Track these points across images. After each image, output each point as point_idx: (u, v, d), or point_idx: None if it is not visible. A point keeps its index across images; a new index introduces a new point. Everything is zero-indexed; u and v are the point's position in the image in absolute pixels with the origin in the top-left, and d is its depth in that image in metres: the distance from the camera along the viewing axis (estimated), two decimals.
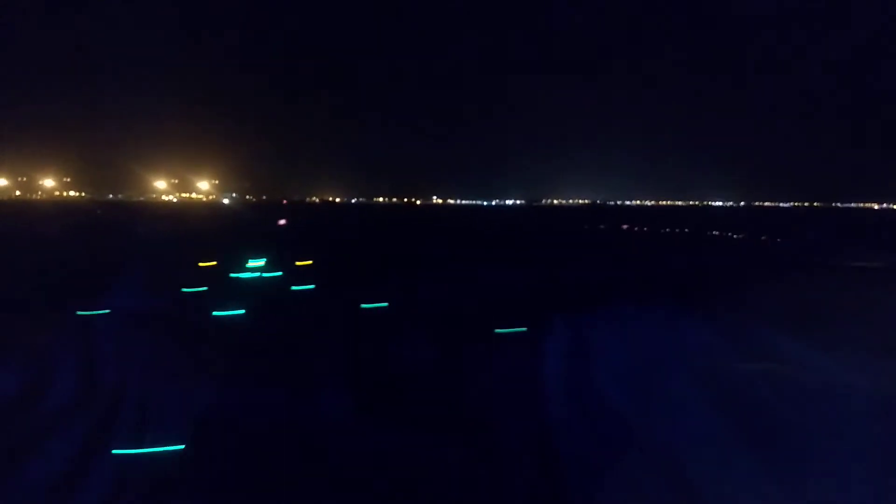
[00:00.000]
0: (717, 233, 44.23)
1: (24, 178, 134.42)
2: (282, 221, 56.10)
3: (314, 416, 6.35)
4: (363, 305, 11.91)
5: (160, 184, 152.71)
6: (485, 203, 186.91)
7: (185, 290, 13.58)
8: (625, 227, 53.37)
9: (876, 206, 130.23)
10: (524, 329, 9.98)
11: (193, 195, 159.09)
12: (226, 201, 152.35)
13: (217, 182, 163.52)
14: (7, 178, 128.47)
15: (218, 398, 6.69)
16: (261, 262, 19.52)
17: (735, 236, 40.43)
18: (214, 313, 10.93)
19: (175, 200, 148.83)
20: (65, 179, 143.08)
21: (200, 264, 19.07)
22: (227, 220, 58.51)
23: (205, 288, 13.91)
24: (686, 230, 47.84)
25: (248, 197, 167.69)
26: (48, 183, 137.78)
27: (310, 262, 20.27)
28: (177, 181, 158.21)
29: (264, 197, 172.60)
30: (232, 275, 17.05)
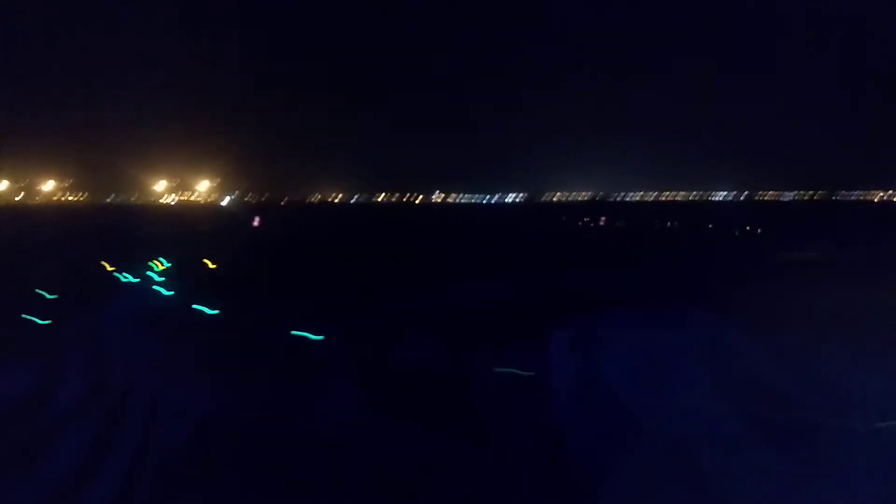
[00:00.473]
0: (690, 228, 44.15)
1: (25, 183, 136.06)
2: (256, 221, 56.43)
3: None
4: (195, 306, 11.96)
5: (160, 185, 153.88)
6: (484, 201, 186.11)
7: (39, 291, 13.75)
8: (601, 223, 53.42)
9: (876, 199, 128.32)
10: (321, 337, 9.88)
11: (193, 196, 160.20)
12: (225, 202, 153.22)
13: (217, 183, 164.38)
14: (8, 181, 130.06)
15: None
16: (164, 266, 19.62)
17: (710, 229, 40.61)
18: (23, 315, 11.10)
19: (174, 202, 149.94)
20: (65, 184, 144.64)
21: (106, 267, 19.26)
22: (205, 220, 58.76)
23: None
24: (661, 225, 47.93)
25: (247, 198, 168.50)
26: (48, 187, 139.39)
27: (213, 266, 20.31)
28: (177, 182, 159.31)
29: (263, 198, 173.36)
30: (121, 277, 17.20)
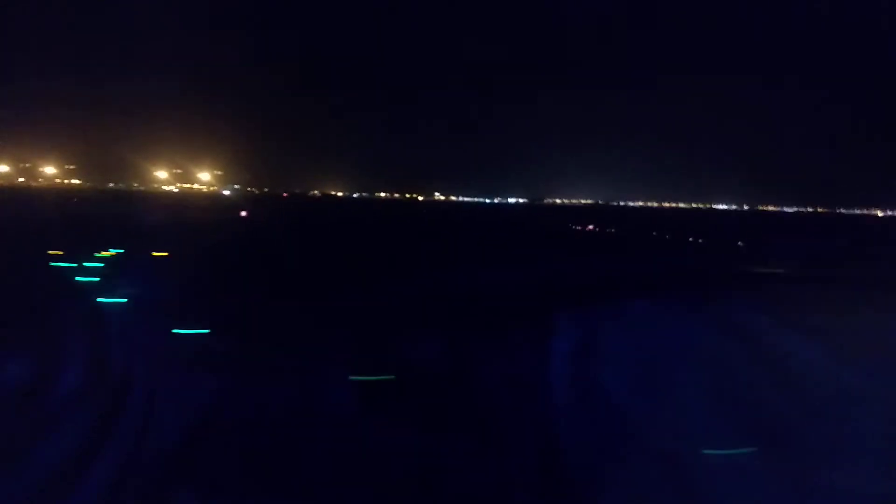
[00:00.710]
0: (677, 236, 43.80)
1: (27, 165, 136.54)
2: (243, 213, 57.48)
3: None
4: (100, 300, 11.75)
5: (162, 173, 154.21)
6: (486, 201, 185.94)
7: None
8: (579, 227, 53.29)
9: (879, 213, 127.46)
10: (207, 331, 9.74)
11: (195, 185, 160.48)
12: (227, 193, 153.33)
13: (220, 173, 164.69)
14: (9, 164, 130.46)
15: None
16: (111, 254, 19.45)
17: (698, 240, 40.28)
18: None
19: (176, 190, 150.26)
20: (67, 167, 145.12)
21: (51, 253, 19.04)
22: (199, 210, 58.78)
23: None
24: (648, 232, 47.61)
25: (249, 189, 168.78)
26: (50, 170, 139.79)
27: (165, 254, 20.15)
28: (179, 171, 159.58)
29: (266, 189, 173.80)
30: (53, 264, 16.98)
